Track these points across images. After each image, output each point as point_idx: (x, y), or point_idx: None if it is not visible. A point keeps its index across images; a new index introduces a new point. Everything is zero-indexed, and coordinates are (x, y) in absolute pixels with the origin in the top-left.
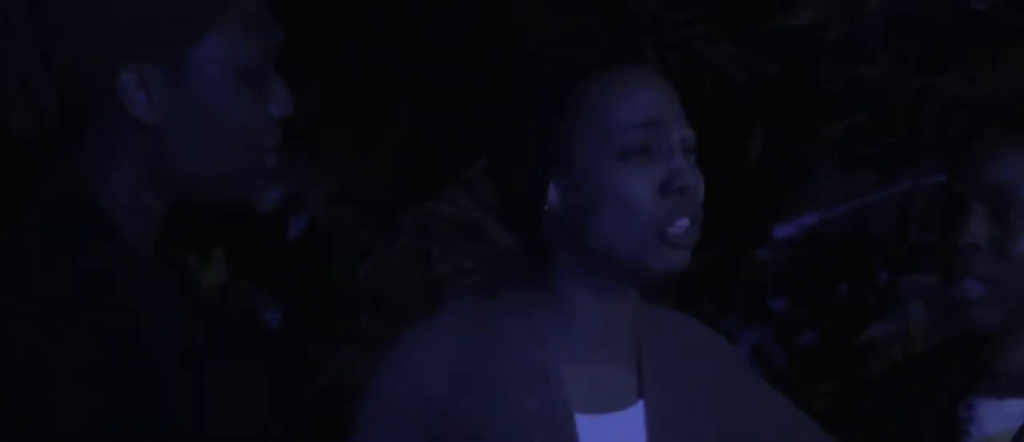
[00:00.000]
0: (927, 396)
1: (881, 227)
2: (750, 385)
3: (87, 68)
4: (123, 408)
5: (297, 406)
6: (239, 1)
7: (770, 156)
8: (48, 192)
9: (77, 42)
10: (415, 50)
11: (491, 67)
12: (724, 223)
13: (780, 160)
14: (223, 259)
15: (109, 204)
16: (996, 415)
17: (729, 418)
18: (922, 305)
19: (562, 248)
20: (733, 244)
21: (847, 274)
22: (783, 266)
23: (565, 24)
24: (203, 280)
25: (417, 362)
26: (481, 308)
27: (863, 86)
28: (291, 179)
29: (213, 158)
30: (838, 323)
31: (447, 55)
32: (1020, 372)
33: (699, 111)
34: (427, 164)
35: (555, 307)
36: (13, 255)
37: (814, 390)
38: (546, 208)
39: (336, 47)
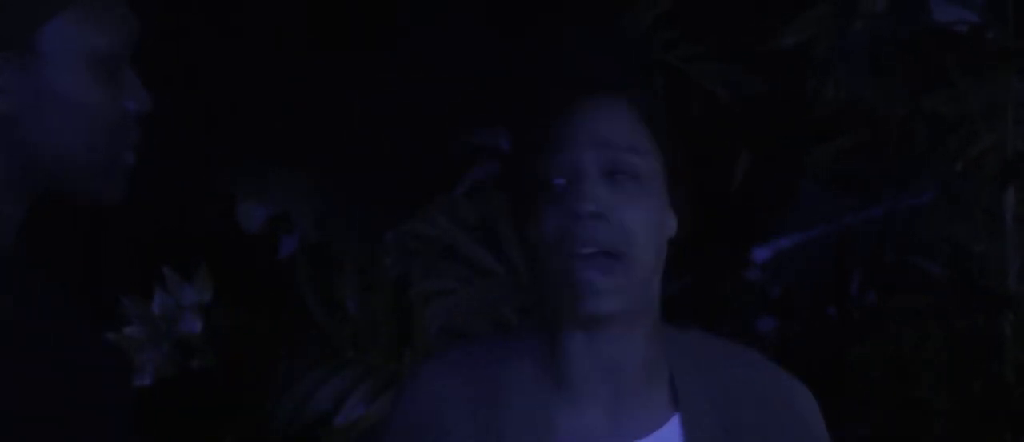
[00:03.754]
0: None
1: (868, 247)
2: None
3: None
4: None
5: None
6: None
7: (757, 177)
8: None
9: None
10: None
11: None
12: (712, 245)
13: (767, 180)
14: (207, 276)
15: None
16: None
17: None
18: (907, 325)
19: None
20: (719, 265)
21: (834, 294)
22: (769, 287)
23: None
24: (187, 298)
25: (433, 395)
26: (495, 342)
27: (850, 107)
28: (280, 199)
29: (69, 149)
30: (825, 343)
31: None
32: None
33: (686, 131)
34: (410, 184)
35: (548, 339)
36: None
37: None
38: None
39: (325, 69)
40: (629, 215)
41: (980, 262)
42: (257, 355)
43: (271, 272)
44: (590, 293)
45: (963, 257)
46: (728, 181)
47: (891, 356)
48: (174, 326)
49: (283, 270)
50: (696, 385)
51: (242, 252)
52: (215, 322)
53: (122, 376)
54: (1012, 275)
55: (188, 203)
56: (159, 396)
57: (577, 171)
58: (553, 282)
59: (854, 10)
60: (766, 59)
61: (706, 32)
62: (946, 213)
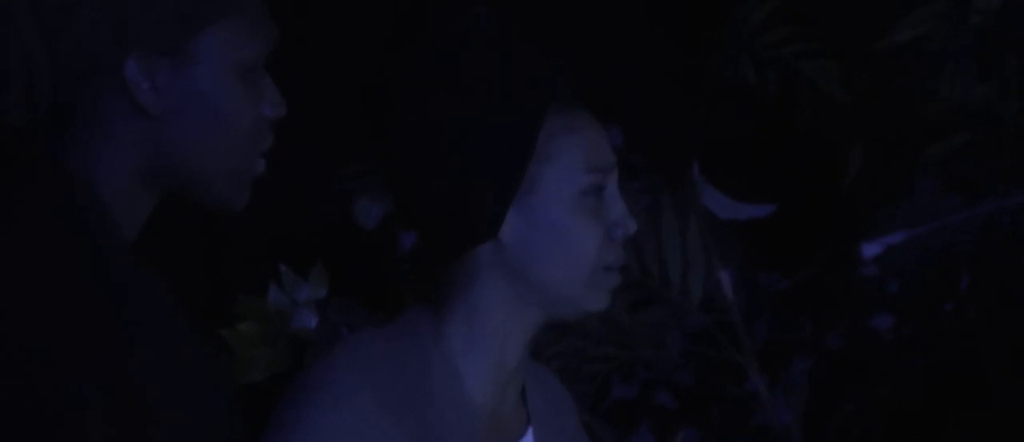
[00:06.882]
0: None
1: (977, 245)
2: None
3: (92, 55)
4: (116, 408)
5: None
6: None
7: (870, 174)
8: (44, 181)
9: (84, 28)
10: None
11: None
12: (822, 241)
13: (880, 178)
14: (323, 273)
15: (104, 195)
16: None
17: None
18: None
19: (491, 274)
20: (832, 262)
21: (948, 293)
22: (882, 285)
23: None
24: (302, 294)
25: (352, 403)
26: (382, 335)
27: (963, 104)
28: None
29: (208, 153)
30: (940, 342)
31: None
32: None
33: (798, 129)
34: None
35: (468, 332)
36: (8, 247)
37: (918, 408)
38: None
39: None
40: None
41: None
42: None
43: (386, 269)
44: None
45: None
46: (840, 178)
47: (1001, 356)
48: (288, 322)
49: (398, 267)
50: (540, 408)
51: (359, 249)
52: (330, 318)
53: (222, 376)
54: None
55: (305, 200)
56: (272, 392)
57: (614, 187)
58: (569, 285)
59: (969, 6)
60: (879, 55)
61: (818, 28)
62: None
